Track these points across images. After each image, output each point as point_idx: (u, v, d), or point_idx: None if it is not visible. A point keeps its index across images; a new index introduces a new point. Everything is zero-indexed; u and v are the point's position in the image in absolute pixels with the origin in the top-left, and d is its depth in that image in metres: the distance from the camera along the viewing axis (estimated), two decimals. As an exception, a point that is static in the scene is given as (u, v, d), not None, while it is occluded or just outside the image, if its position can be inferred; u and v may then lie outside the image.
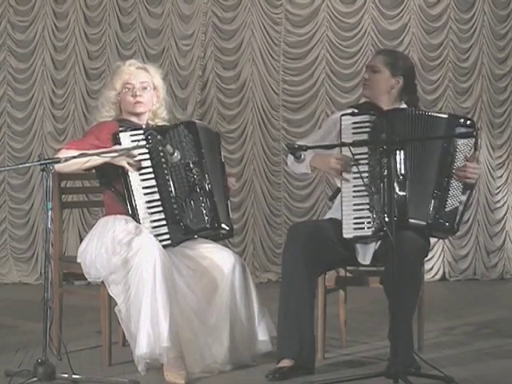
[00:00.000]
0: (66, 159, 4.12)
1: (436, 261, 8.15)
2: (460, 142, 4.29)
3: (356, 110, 4.43)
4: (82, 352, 4.77)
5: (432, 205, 4.24)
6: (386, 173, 4.18)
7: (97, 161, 4.30)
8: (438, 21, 8.27)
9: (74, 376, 4.02)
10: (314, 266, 4.26)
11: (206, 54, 8.14)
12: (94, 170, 4.49)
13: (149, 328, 4.03)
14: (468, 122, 4.34)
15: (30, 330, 5.37)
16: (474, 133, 4.29)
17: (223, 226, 4.43)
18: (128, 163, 4.28)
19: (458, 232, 4.42)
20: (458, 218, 4.30)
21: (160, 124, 4.56)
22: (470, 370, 4.28)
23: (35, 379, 3.87)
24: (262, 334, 4.38)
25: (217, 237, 4.51)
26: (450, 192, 4.27)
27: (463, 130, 4.30)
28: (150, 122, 4.56)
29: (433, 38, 8.27)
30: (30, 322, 5.64)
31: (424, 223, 4.23)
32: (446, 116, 4.37)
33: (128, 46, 8.09)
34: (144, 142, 4.30)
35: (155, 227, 4.32)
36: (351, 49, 8.20)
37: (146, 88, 4.49)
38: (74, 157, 4.19)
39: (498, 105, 8.32)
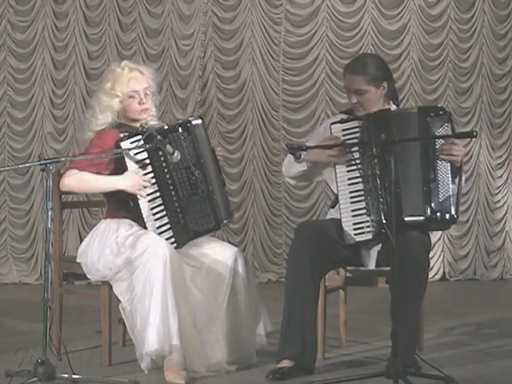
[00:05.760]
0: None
1: (436, 261, 8.15)
2: (438, 130, 4.29)
3: (345, 117, 4.45)
4: (82, 352, 4.77)
5: (425, 198, 4.23)
6: (378, 174, 4.21)
7: (110, 188, 4.36)
8: (438, 21, 8.26)
9: (73, 376, 4.02)
10: (319, 266, 4.27)
11: (206, 54, 8.14)
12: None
13: (159, 325, 4.04)
14: (440, 112, 4.32)
15: (30, 330, 5.37)
16: (474, 132, 4.25)
17: (225, 221, 4.49)
18: (139, 189, 4.32)
19: (458, 219, 4.39)
20: (454, 205, 4.27)
21: (152, 122, 4.56)
22: (471, 370, 4.28)
23: (35, 379, 3.87)
24: (260, 329, 4.42)
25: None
26: (439, 182, 4.25)
27: (435, 119, 4.28)
28: (143, 120, 4.56)
29: (433, 38, 8.27)
30: (30, 322, 5.64)
31: (422, 218, 4.22)
32: (415, 110, 4.38)
33: (128, 46, 8.09)
34: (142, 143, 4.31)
35: (160, 233, 4.32)
36: (351, 49, 8.19)
37: (148, 94, 4.49)
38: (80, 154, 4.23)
39: (497, 105, 8.31)
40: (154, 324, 4.05)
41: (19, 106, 8.04)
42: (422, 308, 4.49)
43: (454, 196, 4.27)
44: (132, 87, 4.44)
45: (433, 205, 4.23)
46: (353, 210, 4.29)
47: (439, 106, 4.86)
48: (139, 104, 4.45)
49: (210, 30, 8.14)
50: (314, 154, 4.38)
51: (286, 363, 4.19)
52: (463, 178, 4.42)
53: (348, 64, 4.54)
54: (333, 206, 4.59)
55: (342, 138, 4.32)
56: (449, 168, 4.28)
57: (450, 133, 4.31)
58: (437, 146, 4.28)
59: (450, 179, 4.28)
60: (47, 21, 8.02)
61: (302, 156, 4.23)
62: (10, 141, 8.02)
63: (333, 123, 4.39)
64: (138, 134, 4.36)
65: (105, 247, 4.32)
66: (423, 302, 4.39)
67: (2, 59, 8.00)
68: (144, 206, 4.34)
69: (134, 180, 4.32)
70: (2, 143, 8.02)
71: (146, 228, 4.31)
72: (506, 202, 8.31)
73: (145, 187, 4.32)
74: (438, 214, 4.24)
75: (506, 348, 4.84)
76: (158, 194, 4.35)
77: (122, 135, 4.37)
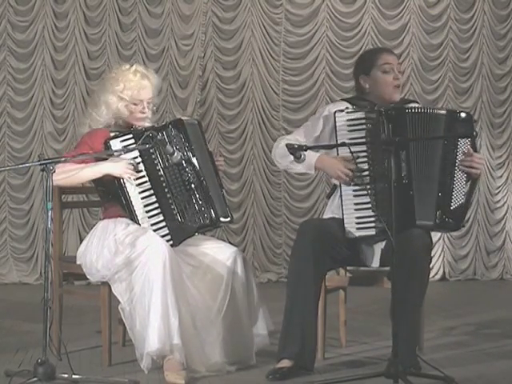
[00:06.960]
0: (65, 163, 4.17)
1: (436, 261, 8.15)
2: (462, 140, 4.28)
3: (349, 105, 4.38)
4: (82, 352, 4.77)
5: (437, 204, 4.21)
6: (391, 170, 4.15)
7: (96, 174, 4.37)
8: (438, 21, 8.27)
9: (73, 376, 4.02)
10: (322, 266, 4.25)
11: (206, 54, 8.14)
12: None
13: (160, 324, 4.05)
14: (465, 116, 4.29)
15: (30, 330, 5.36)
16: (474, 132, 4.26)
17: (222, 219, 4.44)
18: (127, 173, 4.33)
19: (463, 228, 4.40)
20: (463, 214, 4.28)
21: (146, 125, 4.56)
22: (471, 370, 4.28)
23: (35, 379, 3.87)
24: (261, 328, 4.41)
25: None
26: (454, 190, 4.24)
27: (462, 125, 4.26)
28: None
29: (433, 38, 8.27)
30: (30, 322, 5.64)
31: (431, 223, 4.21)
32: (444, 112, 4.32)
33: (128, 46, 8.09)
34: (133, 141, 4.35)
35: (155, 230, 4.33)
36: (351, 49, 8.20)
37: (150, 104, 4.53)
38: (74, 156, 4.24)
39: (498, 105, 8.32)
40: (154, 324, 4.05)
41: (19, 106, 8.04)
42: (422, 308, 4.48)
43: (464, 205, 4.26)
44: (141, 96, 4.47)
45: (445, 211, 4.21)
46: (356, 204, 4.24)
47: (469, 112, 4.75)
48: (140, 112, 4.48)
49: (209, 29, 8.14)
50: (326, 163, 4.29)
51: (285, 363, 4.18)
52: (476, 187, 4.40)
53: (381, 47, 4.54)
54: (329, 195, 4.55)
55: (348, 129, 4.21)
56: (465, 177, 4.27)
57: (470, 146, 4.26)
58: (457, 156, 4.24)
59: (464, 188, 4.27)
60: (47, 21, 8.02)
61: (302, 156, 4.18)
62: (10, 141, 8.02)
63: (338, 111, 4.27)
64: (129, 134, 4.39)
65: (103, 247, 4.33)
66: (424, 302, 4.39)
67: (2, 59, 8.00)
68: (137, 202, 4.35)
69: (119, 163, 4.33)
70: (1, 143, 8.02)
71: (139, 225, 4.32)
72: (506, 202, 8.31)
73: (133, 177, 4.34)
74: (448, 220, 4.23)
75: (506, 348, 4.84)
76: (151, 191, 4.37)
77: (112, 134, 4.41)
